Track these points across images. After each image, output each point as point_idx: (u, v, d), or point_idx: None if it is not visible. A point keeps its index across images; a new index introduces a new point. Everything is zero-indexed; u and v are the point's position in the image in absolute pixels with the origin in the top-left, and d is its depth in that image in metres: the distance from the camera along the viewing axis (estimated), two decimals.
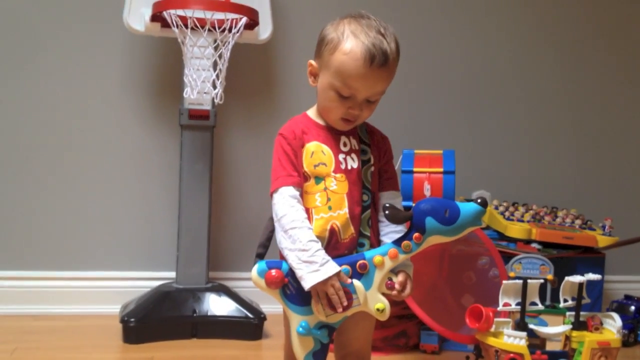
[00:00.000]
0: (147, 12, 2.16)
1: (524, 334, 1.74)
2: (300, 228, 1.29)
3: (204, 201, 2.30)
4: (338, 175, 1.35)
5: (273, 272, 1.31)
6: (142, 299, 2.23)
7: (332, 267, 1.28)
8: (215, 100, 2.18)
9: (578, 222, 2.47)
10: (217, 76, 2.16)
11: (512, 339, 1.73)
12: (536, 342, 1.87)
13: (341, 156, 1.36)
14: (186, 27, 2.08)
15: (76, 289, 2.43)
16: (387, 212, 1.28)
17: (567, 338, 1.82)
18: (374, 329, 1.45)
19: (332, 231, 1.33)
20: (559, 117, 2.81)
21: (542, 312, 1.91)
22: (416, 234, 1.30)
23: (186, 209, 2.29)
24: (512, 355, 1.70)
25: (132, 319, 2.11)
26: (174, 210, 2.37)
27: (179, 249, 2.30)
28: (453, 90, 2.72)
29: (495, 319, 1.77)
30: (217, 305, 2.22)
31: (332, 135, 1.37)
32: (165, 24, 2.15)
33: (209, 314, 2.20)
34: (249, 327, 2.21)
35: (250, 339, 2.20)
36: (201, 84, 2.16)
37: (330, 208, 1.33)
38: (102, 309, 2.40)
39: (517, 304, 1.81)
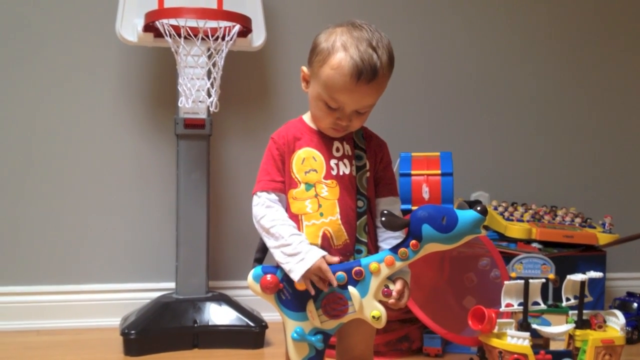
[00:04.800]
0: (140, 23, 2.16)
1: (527, 334, 1.73)
2: (282, 225, 1.31)
3: (202, 210, 2.29)
4: (329, 182, 1.34)
5: (268, 277, 1.32)
6: (142, 310, 2.22)
7: (317, 252, 1.28)
8: (210, 109, 2.18)
9: (578, 220, 2.46)
10: (212, 84, 2.16)
11: (516, 340, 1.72)
12: (540, 342, 1.87)
13: (333, 162, 1.36)
14: (179, 36, 2.08)
15: (77, 302, 2.42)
16: (383, 219, 1.27)
17: (571, 337, 1.82)
18: (375, 334, 1.44)
19: (325, 238, 1.32)
20: (556, 115, 2.81)
21: (544, 312, 1.90)
22: (413, 242, 1.28)
23: (184, 219, 2.28)
24: (515, 356, 1.69)
25: (133, 331, 2.10)
26: (172, 220, 2.36)
27: (178, 259, 2.29)
28: (450, 92, 2.72)
29: (498, 320, 1.76)
30: (218, 315, 2.20)
31: (325, 140, 1.37)
32: (158, 34, 2.14)
33: (209, 323, 2.18)
34: (250, 335, 2.19)
35: (252, 347, 2.19)
36: (196, 92, 2.15)
37: (321, 214, 1.33)
38: (103, 322, 2.39)
39: (520, 304, 1.80)
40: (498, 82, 2.76)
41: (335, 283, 1.29)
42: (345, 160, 1.37)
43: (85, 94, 2.43)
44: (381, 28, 1.35)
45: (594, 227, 2.43)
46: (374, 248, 1.37)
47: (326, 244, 1.32)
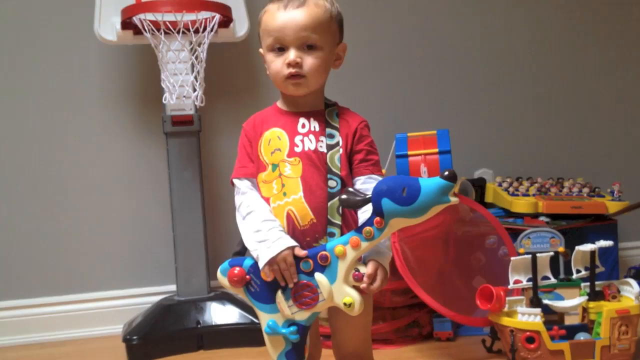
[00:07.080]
0: (118, 21, 2.10)
1: (538, 310, 1.67)
2: (255, 211, 1.29)
3: (197, 208, 2.23)
4: (292, 159, 1.30)
5: (235, 269, 1.28)
6: (144, 315, 2.18)
7: (284, 242, 1.24)
8: (196, 104, 2.12)
9: (586, 190, 2.39)
10: (196, 78, 2.10)
11: (527, 317, 1.66)
12: (554, 317, 1.81)
13: (298, 138, 1.31)
14: (159, 31, 2.02)
15: (78, 312, 2.38)
16: (343, 196, 1.19)
17: (585, 310, 1.75)
18: (370, 325, 1.36)
19: (289, 218, 1.28)
20: (557, 85, 2.73)
21: (556, 286, 1.84)
22: (377, 219, 1.18)
23: (180, 219, 2.23)
24: (528, 333, 1.63)
25: (135, 337, 2.06)
26: (168, 221, 2.31)
27: (177, 260, 2.24)
28: (448, 68, 2.64)
29: (508, 298, 1.70)
30: (221, 314, 2.16)
31: (291, 117, 1.34)
32: (137, 31, 2.09)
33: (213, 323, 2.14)
34: (256, 333, 2.09)
35: (258, 345, 2.10)
36: (180, 88, 2.09)
37: (285, 194, 1.28)
38: (106, 330, 2.36)
39: (529, 280, 1.74)
40: (498, 55, 2.68)
41: (291, 284, 1.24)
42: (311, 136, 1.31)
43: (68, 98, 2.38)
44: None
45: (603, 196, 2.36)
46: (349, 230, 1.28)
47: (291, 225, 1.27)
